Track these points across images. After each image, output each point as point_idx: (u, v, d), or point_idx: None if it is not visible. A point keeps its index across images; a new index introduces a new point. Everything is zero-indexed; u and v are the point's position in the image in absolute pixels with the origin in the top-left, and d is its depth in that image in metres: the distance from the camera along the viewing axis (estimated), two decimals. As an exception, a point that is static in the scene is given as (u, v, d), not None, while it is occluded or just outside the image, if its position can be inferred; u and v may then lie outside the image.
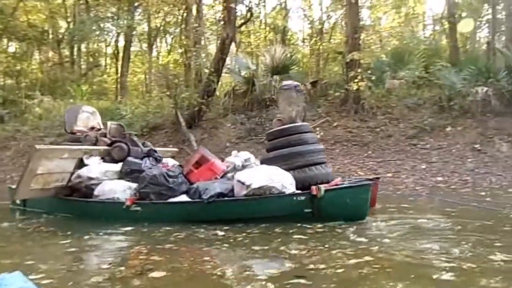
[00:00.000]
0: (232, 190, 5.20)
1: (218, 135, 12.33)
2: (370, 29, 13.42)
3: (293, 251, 3.70)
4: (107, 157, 6.31)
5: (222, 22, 13.39)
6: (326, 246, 3.85)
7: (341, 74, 12.67)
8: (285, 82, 6.86)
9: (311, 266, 3.20)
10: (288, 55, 13.25)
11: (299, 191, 5.19)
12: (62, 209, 5.97)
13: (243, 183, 5.13)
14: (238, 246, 4.03)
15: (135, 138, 7.07)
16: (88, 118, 7.55)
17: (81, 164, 5.97)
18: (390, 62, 12.21)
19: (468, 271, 2.96)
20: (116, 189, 5.58)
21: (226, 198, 5.15)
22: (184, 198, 5.36)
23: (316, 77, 13.18)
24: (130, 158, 6.09)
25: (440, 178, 8.61)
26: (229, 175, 5.73)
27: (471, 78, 10.86)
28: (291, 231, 4.55)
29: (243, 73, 13.39)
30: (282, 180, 5.14)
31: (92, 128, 7.26)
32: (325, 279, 2.89)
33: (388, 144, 10.47)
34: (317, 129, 11.43)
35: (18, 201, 6.49)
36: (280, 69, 12.81)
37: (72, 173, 5.90)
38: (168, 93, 13.37)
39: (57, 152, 5.71)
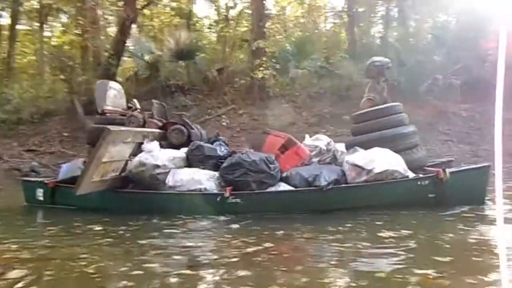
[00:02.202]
0: (343, 175, 4.70)
1: (119, 122, 11.61)
2: (275, 18, 13.64)
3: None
4: (162, 142, 5.38)
5: (122, 2, 12.54)
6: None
7: (246, 62, 12.67)
8: (376, 58, 6.11)
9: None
10: (194, 40, 12.91)
11: (421, 175, 4.76)
12: (117, 205, 4.85)
13: (362, 168, 4.62)
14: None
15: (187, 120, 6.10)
16: (115, 96, 6.25)
17: (137, 150, 5.01)
18: (294, 51, 12.50)
19: None
20: (200, 178, 4.75)
21: (347, 185, 4.63)
22: (284, 186, 4.75)
23: (222, 64, 13.02)
24: (201, 143, 5.23)
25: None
26: (315, 159, 5.22)
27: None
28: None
29: (146, 57, 12.75)
30: (402, 164, 4.70)
31: (129, 108, 6.15)
32: None
33: (292, 131, 10.70)
34: (223, 116, 11.32)
35: (40, 198, 5.31)
36: (185, 55, 12.42)
37: (127, 161, 4.93)
38: (62, 76, 12.20)
39: (124, 135, 4.69)
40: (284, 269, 2.92)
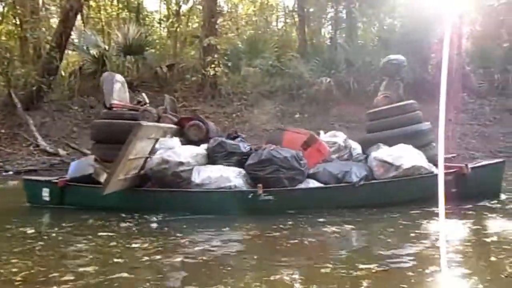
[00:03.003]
0: (370, 172, 4.71)
1: (63, 119, 11.01)
2: (227, 15, 13.54)
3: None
4: (180, 138, 5.15)
5: (66, -8, 11.87)
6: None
7: (198, 59, 12.48)
8: (393, 56, 6.07)
9: None
10: (143, 35, 12.51)
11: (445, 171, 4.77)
12: (139, 204, 4.58)
13: (391, 164, 4.64)
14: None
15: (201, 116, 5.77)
16: (120, 89, 5.80)
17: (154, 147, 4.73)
18: (245, 49, 12.47)
19: None
20: (229, 175, 4.53)
21: (378, 181, 4.65)
22: (313, 183, 4.65)
23: (173, 60, 12.74)
24: (223, 139, 5.02)
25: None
26: (334, 156, 5.10)
27: (316, 69, 11.78)
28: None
29: (92, 51, 12.18)
30: (425, 160, 4.75)
31: (139, 103, 5.82)
32: None
33: (243, 129, 10.68)
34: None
35: (46, 198, 4.89)
36: (134, 50, 12.02)
37: (146, 159, 4.65)
38: (-2, 69, 11.38)
39: (151, 131, 4.44)
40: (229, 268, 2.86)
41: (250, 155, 4.76)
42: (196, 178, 4.55)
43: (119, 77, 5.96)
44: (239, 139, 5.29)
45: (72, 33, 11.89)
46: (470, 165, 4.79)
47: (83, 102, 11.38)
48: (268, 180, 4.48)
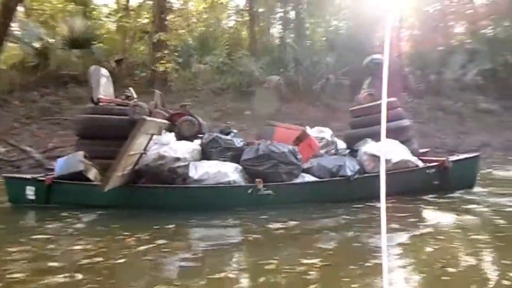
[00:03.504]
0: (361, 166, 4.88)
1: (2, 114, 10.50)
2: (177, 11, 13.50)
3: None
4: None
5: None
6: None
7: (148, 54, 12.35)
8: (376, 56, 6.22)
9: None
10: (90, 29, 12.20)
11: (428, 164, 5.10)
12: (135, 201, 4.47)
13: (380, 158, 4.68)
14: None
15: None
16: (106, 84, 5.61)
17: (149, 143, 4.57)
18: (196, 46, 12.51)
19: None
20: (227, 171, 4.54)
21: (371, 174, 4.74)
22: (309, 177, 4.77)
23: (121, 55, 12.51)
24: (218, 135, 5.01)
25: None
26: (322, 151, 5.31)
27: (266, 67, 12.05)
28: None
29: (35, 44, 11.71)
30: (410, 154, 5.04)
31: (127, 97, 5.67)
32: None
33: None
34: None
35: (31, 196, 4.66)
36: (81, 43, 11.69)
37: (141, 154, 4.49)
38: None
39: (152, 126, 4.36)
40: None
41: (243, 150, 4.81)
42: (194, 173, 4.53)
43: (104, 71, 5.81)
44: (232, 134, 5.31)
45: (14, 25, 11.34)
46: (450, 159, 5.14)
47: (24, 96, 10.91)
48: (267, 174, 4.53)
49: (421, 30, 12.84)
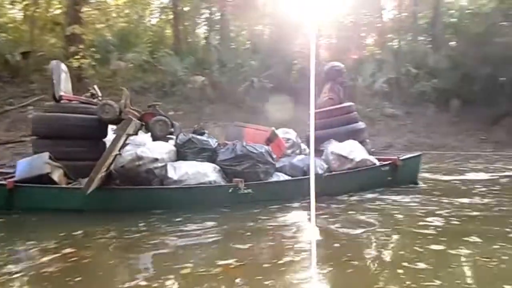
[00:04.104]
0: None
1: None
2: (94, 4, 12.62)
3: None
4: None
5: None
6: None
7: (60, 48, 11.39)
8: (335, 63, 6.81)
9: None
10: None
11: (383, 163, 5.59)
12: (111, 204, 4.23)
13: (346, 158, 5.27)
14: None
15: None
16: (66, 80, 5.31)
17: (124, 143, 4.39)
18: (116, 42, 11.85)
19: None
20: (206, 171, 4.56)
21: (339, 172, 5.21)
22: (283, 176, 4.99)
23: (29, 47, 11.36)
24: (193, 135, 4.94)
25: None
26: (289, 151, 5.60)
27: (191, 68, 11.87)
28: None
29: None
30: (367, 153, 5.51)
31: (92, 95, 5.39)
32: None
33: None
34: (29, 108, 9.92)
35: None
36: (-21, 32, 10.39)
37: (116, 156, 4.27)
38: None
39: (134, 126, 4.36)
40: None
41: (217, 151, 4.87)
42: (173, 174, 4.45)
43: (63, 66, 5.48)
44: (206, 135, 5.25)
45: None
46: (401, 158, 5.70)
47: None
48: (245, 174, 4.62)
49: (338, 39, 13.65)
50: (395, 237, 3.42)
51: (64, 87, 5.25)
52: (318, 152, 5.54)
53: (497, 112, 15.81)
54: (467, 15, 16.98)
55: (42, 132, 4.93)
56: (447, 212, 4.17)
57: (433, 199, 4.89)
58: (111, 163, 4.23)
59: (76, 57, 10.24)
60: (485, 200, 4.87)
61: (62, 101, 5.06)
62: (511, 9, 16.15)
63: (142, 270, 2.73)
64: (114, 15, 13.08)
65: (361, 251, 3.00)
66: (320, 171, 4.98)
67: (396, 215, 4.14)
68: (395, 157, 5.76)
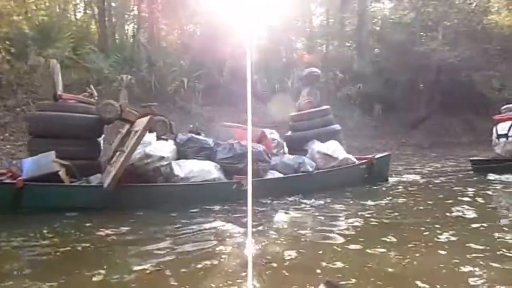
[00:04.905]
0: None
1: None
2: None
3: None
4: None
5: None
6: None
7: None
8: (314, 69, 7.31)
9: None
10: None
11: (361, 161, 6.19)
12: (121, 201, 4.29)
13: (330, 156, 5.81)
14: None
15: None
16: (60, 79, 5.43)
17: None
18: (35, 36, 11.12)
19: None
20: (210, 169, 4.90)
21: (327, 170, 5.74)
22: (277, 174, 5.39)
23: None
24: (193, 135, 5.37)
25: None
26: (274, 151, 5.94)
27: (117, 66, 11.47)
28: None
29: None
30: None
31: (91, 95, 5.68)
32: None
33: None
34: None
35: None
36: None
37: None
38: None
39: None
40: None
41: (215, 150, 5.19)
42: (180, 172, 4.71)
43: (58, 65, 5.58)
44: (202, 135, 5.58)
45: None
46: (375, 157, 6.39)
47: None
48: (245, 171, 4.72)
49: (268, 42, 13.91)
50: (316, 238, 3.48)
51: (60, 85, 5.38)
52: (302, 152, 6.10)
53: (416, 116, 17.05)
54: (390, 24, 18.13)
55: (39, 131, 4.99)
56: (368, 213, 4.37)
57: (356, 201, 5.10)
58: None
59: (-12, 50, 9.51)
60: (403, 200, 5.18)
61: (60, 100, 5.18)
62: (429, 20, 17.48)
63: (49, 279, 2.52)
64: (33, 7, 12.26)
65: (280, 253, 2.99)
66: (310, 169, 5.47)
67: (319, 217, 4.25)
68: (371, 156, 6.42)
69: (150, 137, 4.95)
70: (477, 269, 2.60)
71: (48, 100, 5.58)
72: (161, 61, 11.98)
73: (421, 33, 17.65)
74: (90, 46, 11.44)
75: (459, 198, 5.22)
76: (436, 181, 7.02)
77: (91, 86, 5.86)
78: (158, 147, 4.79)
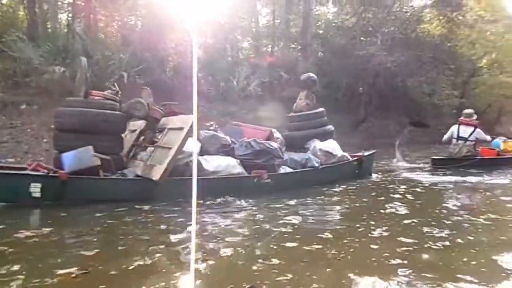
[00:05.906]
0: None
1: None
2: None
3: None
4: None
5: None
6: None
7: None
8: (311, 74, 8.06)
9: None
10: None
11: (353, 158, 6.92)
12: (161, 193, 4.71)
13: (331, 154, 6.53)
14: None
15: None
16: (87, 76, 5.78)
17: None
18: (-49, 20, 9.96)
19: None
20: (234, 164, 5.38)
21: (330, 165, 6.45)
22: (287, 169, 5.94)
23: None
24: (215, 133, 5.81)
25: (11, 160, 7.88)
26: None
27: (49, 56, 10.57)
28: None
29: None
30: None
31: (117, 93, 5.70)
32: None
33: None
34: None
35: (37, 194, 4.35)
36: None
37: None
38: None
39: None
40: None
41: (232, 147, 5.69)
42: (208, 166, 5.18)
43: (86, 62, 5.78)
44: (219, 132, 6.04)
45: None
46: (365, 154, 7.23)
47: None
48: (265, 167, 5.50)
49: (213, 39, 13.63)
50: (254, 236, 3.54)
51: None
52: (302, 150, 6.77)
53: (356, 118, 17.67)
54: (333, 28, 18.60)
55: (67, 126, 5.12)
56: (308, 212, 4.52)
57: (297, 200, 5.18)
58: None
59: None
60: (339, 198, 5.46)
61: (89, 97, 5.34)
62: (369, 26, 18.17)
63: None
64: None
65: (216, 251, 3.00)
66: (316, 164, 6.16)
67: (257, 215, 4.32)
68: (361, 154, 7.22)
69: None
70: (405, 261, 2.80)
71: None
72: (99, 53, 11.22)
73: (362, 38, 18.30)
74: (18, 34, 10.41)
75: (391, 195, 5.61)
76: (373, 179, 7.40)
77: (115, 84, 6.20)
78: (188, 144, 5.09)
